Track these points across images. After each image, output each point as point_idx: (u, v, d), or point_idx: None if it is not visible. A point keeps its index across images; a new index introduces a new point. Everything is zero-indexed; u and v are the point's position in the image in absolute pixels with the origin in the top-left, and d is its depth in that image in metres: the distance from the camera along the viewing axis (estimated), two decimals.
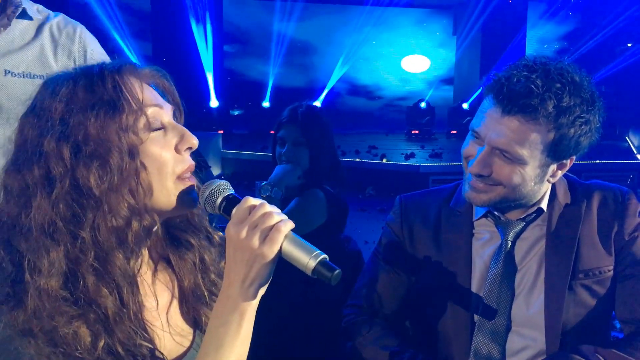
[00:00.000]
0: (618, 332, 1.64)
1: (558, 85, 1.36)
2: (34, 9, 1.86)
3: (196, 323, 1.16)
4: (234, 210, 0.99)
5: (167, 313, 1.12)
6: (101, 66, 1.02)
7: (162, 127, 1.04)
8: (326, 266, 0.96)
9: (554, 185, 1.56)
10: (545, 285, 1.50)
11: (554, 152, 1.42)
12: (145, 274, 1.09)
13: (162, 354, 1.03)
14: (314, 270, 0.96)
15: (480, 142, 1.44)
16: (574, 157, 1.48)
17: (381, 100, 18.22)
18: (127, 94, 0.99)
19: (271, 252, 0.96)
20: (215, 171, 9.90)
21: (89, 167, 0.95)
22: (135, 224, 0.99)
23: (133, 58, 13.58)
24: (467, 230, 1.59)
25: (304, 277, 2.47)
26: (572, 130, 1.39)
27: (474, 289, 1.55)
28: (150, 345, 1.00)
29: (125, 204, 0.97)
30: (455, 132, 14.91)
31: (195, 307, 1.16)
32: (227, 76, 15.31)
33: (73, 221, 0.95)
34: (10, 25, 1.77)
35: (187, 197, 1.04)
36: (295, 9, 15.58)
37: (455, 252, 1.58)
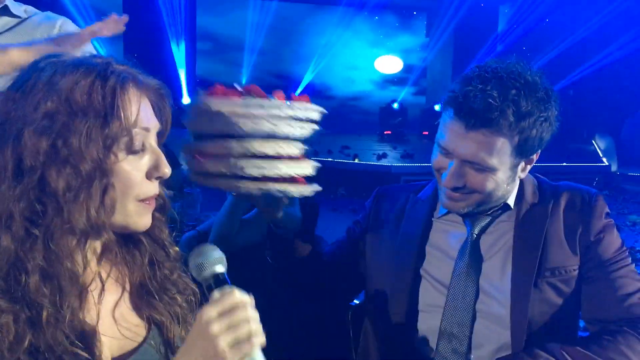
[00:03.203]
0: (582, 332, 1.68)
1: (513, 91, 1.41)
2: (20, 9, 1.94)
3: (149, 317, 1.15)
4: (216, 295, 0.99)
5: (117, 309, 1.11)
6: (107, 71, 1.00)
7: (142, 150, 1.03)
8: None
9: (521, 184, 1.60)
10: (512, 280, 1.53)
11: (521, 152, 1.47)
12: (94, 271, 1.07)
13: (99, 351, 1.01)
14: None
15: (450, 156, 1.48)
16: (539, 151, 1.54)
17: (353, 100, 18.26)
18: (121, 112, 0.99)
19: (231, 358, 0.95)
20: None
21: (60, 171, 0.94)
22: (90, 238, 1.00)
23: (103, 54, 13.39)
24: (427, 222, 1.65)
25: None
26: (534, 131, 1.44)
27: (435, 278, 1.61)
28: (85, 355, 0.97)
29: (84, 218, 0.96)
30: (427, 133, 15.06)
31: (148, 301, 1.14)
32: (199, 74, 15.22)
33: (31, 218, 0.94)
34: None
35: (142, 220, 1.05)
36: (269, 8, 15.54)
37: (412, 242, 1.63)
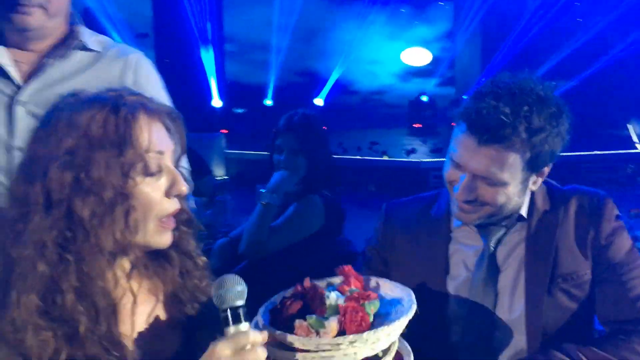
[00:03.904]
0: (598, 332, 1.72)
1: (526, 108, 1.43)
2: (93, 40, 1.82)
3: (181, 324, 1.23)
4: (231, 331, 1.03)
5: (150, 318, 1.20)
6: (118, 103, 1.10)
7: (158, 171, 1.12)
8: None
9: (533, 193, 1.62)
10: (526, 289, 1.57)
11: (533, 166, 1.49)
12: (125, 287, 1.16)
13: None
14: None
15: (462, 169, 1.50)
16: (551, 164, 1.55)
17: (377, 94, 18.20)
18: (135, 139, 1.08)
19: None
20: (219, 172, 9.97)
21: (85, 200, 1.04)
22: (118, 259, 1.10)
23: None
24: (445, 237, 1.67)
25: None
26: (546, 146, 1.46)
27: (454, 291, 1.64)
28: (124, 355, 1.06)
29: (111, 240, 1.06)
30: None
31: (180, 309, 1.23)
32: (229, 75, 15.40)
33: (62, 245, 1.04)
34: (67, 56, 1.75)
35: (162, 239, 1.13)
36: (295, 4, 15.59)
37: (433, 257, 1.66)
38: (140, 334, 1.17)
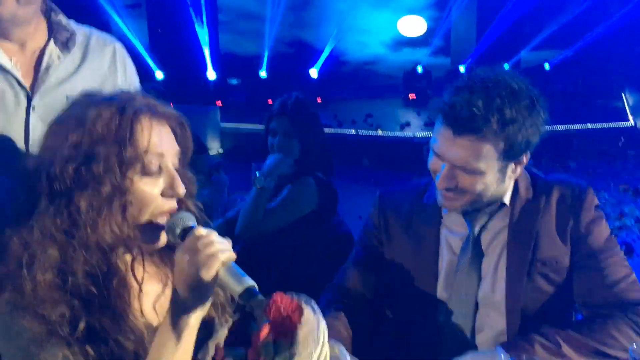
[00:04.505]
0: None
1: (498, 100, 1.50)
2: (77, 30, 1.77)
3: None
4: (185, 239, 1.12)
5: (158, 302, 1.28)
6: (126, 104, 1.16)
7: (158, 172, 1.18)
8: (251, 293, 1.07)
9: (516, 181, 1.71)
10: (507, 273, 1.66)
11: (508, 155, 1.57)
12: (133, 272, 1.23)
13: (146, 339, 1.17)
14: (241, 295, 1.07)
15: (442, 159, 1.59)
16: (529, 153, 1.63)
17: (368, 64, 18.10)
18: (135, 139, 1.14)
19: (208, 276, 1.06)
20: (214, 145, 9.98)
21: (83, 193, 1.12)
22: (118, 250, 1.17)
23: (127, 31, 13.58)
24: (436, 221, 1.77)
25: (302, 255, 2.58)
26: (519, 136, 1.54)
27: (442, 272, 1.73)
28: (134, 333, 1.15)
29: (109, 233, 1.13)
30: (446, 92, 14.91)
31: None
32: (223, 46, 15.28)
33: (67, 233, 1.12)
34: (64, 53, 1.72)
35: (157, 236, 1.20)
36: None
37: (425, 241, 1.76)
38: (149, 315, 1.24)
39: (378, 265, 1.84)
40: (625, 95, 12.03)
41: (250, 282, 1.08)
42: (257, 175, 2.53)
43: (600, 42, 15.28)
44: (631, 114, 11.33)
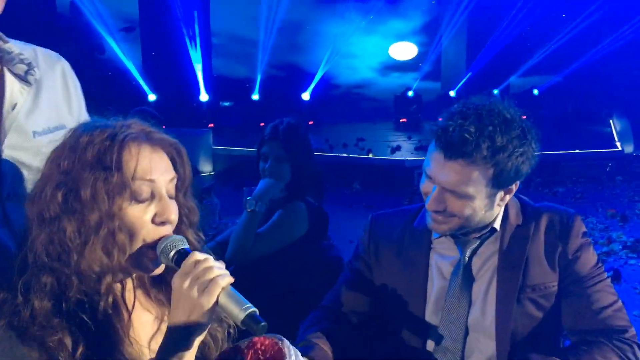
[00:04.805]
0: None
1: (490, 128, 1.54)
2: (27, 51, 1.58)
3: None
4: (182, 264, 1.10)
5: (153, 335, 1.26)
6: (118, 131, 1.16)
7: (148, 199, 1.16)
8: (253, 319, 1.06)
9: (506, 208, 1.73)
10: (497, 298, 1.68)
11: (497, 183, 1.60)
12: (130, 302, 1.22)
13: None
14: (243, 321, 1.06)
15: (433, 181, 1.62)
16: (518, 182, 1.66)
17: (358, 88, 18.29)
18: (123, 165, 1.13)
19: (208, 303, 1.06)
20: (206, 168, 10.00)
21: (70, 219, 1.11)
22: (108, 279, 1.16)
23: (120, 54, 13.67)
24: (426, 246, 1.78)
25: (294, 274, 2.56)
26: (509, 164, 1.56)
27: (432, 297, 1.75)
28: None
29: (98, 261, 1.12)
30: (441, 117, 15.07)
31: None
32: (215, 69, 15.40)
33: (59, 260, 1.12)
34: (31, 86, 1.54)
35: (151, 264, 1.18)
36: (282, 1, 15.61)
37: (415, 266, 1.77)
38: (144, 352, 1.23)
39: (367, 289, 1.85)
40: (612, 121, 12.19)
41: (252, 308, 1.07)
42: (249, 199, 2.54)
43: (588, 69, 15.54)
44: (619, 139, 11.47)
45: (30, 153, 1.49)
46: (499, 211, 1.72)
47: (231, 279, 1.09)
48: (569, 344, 1.72)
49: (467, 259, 1.73)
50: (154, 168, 1.17)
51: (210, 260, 1.10)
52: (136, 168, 1.14)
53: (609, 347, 1.58)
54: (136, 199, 1.14)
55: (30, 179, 1.46)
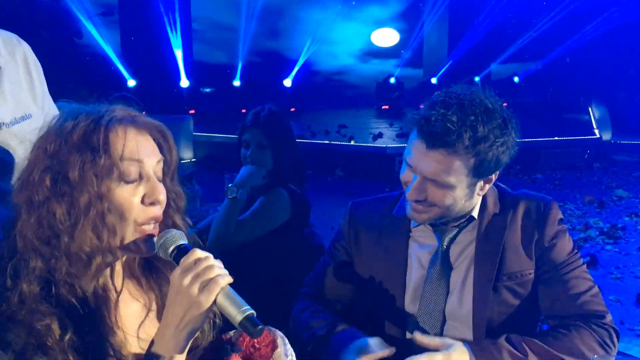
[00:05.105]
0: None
1: (472, 117, 1.53)
2: None
3: None
4: (182, 260, 1.10)
5: (140, 323, 1.26)
6: (103, 114, 1.16)
7: (137, 179, 1.16)
8: (251, 321, 1.06)
9: (485, 196, 1.74)
10: (474, 286, 1.69)
11: (478, 172, 1.60)
12: (119, 287, 1.23)
13: (125, 356, 1.17)
14: (240, 323, 1.06)
15: (414, 170, 1.62)
16: (498, 172, 1.66)
17: (348, 75, 18.29)
18: (110, 146, 1.13)
19: (207, 302, 1.06)
20: (187, 155, 9.93)
21: (60, 202, 1.11)
22: (98, 259, 1.15)
23: (99, 39, 13.46)
24: (405, 234, 1.79)
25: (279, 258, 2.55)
26: (490, 154, 1.57)
27: (411, 285, 1.76)
28: (114, 347, 1.14)
29: (88, 241, 1.12)
30: (423, 106, 15.13)
31: None
32: (196, 55, 15.24)
33: (48, 243, 1.12)
34: None
35: (143, 245, 1.17)
36: None
37: (394, 254, 1.78)
38: (131, 341, 1.22)
39: (349, 276, 1.86)
40: (592, 108, 12.35)
41: (250, 310, 1.06)
42: (230, 186, 2.53)
43: (567, 56, 15.70)
44: (597, 127, 11.64)
45: None
46: (478, 200, 1.72)
47: (230, 279, 1.09)
48: (547, 329, 1.74)
49: (445, 247, 1.74)
50: (141, 149, 1.17)
51: (211, 259, 1.10)
52: (123, 149, 1.14)
53: (587, 331, 1.61)
54: (124, 179, 1.14)
55: (1, 173, 1.46)
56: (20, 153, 1.53)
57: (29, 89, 1.60)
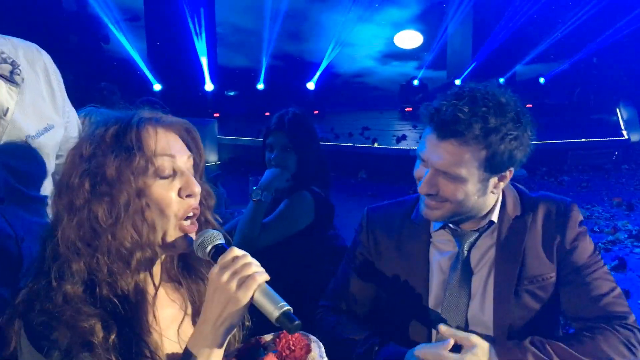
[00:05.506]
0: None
1: (484, 109, 1.53)
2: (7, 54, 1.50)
3: None
4: (220, 258, 1.14)
5: (178, 325, 1.29)
6: (132, 117, 1.21)
7: (171, 174, 1.20)
8: (288, 317, 1.08)
9: (504, 198, 1.73)
10: (494, 290, 1.68)
11: (490, 167, 1.58)
12: (158, 289, 1.26)
13: (160, 357, 1.20)
14: (277, 319, 1.08)
15: (426, 164, 1.62)
16: (512, 169, 1.65)
17: (370, 77, 18.25)
18: (143, 145, 1.17)
19: (245, 298, 1.09)
20: (212, 158, 10.00)
21: (100, 202, 1.15)
22: (138, 254, 1.18)
23: (126, 44, 13.66)
24: (425, 240, 1.77)
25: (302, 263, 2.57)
26: (502, 146, 1.56)
27: (432, 291, 1.74)
28: (151, 348, 1.18)
29: (129, 237, 1.16)
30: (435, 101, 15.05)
31: None
32: (220, 59, 15.38)
33: (90, 244, 1.16)
34: (15, 81, 1.48)
35: (182, 241, 1.21)
36: None
37: (415, 260, 1.77)
38: (167, 341, 1.25)
39: (370, 283, 1.86)
40: (619, 109, 12.13)
41: (287, 306, 1.08)
42: (255, 189, 2.55)
43: (594, 56, 15.45)
44: (625, 128, 11.42)
45: (25, 158, 1.51)
46: (494, 200, 1.70)
47: (267, 277, 1.12)
48: (572, 332, 1.73)
49: (465, 252, 1.72)
50: (172, 145, 1.22)
51: (249, 257, 1.14)
52: (156, 146, 1.18)
53: (612, 333, 1.59)
54: (160, 175, 1.18)
55: (27, 183, 1.51)
56: (48, 163, 1.58)
57: (51, 99, 1.61)
